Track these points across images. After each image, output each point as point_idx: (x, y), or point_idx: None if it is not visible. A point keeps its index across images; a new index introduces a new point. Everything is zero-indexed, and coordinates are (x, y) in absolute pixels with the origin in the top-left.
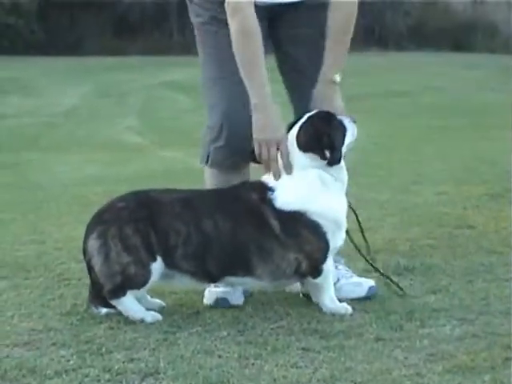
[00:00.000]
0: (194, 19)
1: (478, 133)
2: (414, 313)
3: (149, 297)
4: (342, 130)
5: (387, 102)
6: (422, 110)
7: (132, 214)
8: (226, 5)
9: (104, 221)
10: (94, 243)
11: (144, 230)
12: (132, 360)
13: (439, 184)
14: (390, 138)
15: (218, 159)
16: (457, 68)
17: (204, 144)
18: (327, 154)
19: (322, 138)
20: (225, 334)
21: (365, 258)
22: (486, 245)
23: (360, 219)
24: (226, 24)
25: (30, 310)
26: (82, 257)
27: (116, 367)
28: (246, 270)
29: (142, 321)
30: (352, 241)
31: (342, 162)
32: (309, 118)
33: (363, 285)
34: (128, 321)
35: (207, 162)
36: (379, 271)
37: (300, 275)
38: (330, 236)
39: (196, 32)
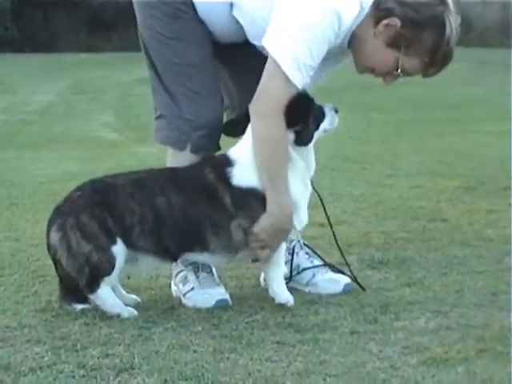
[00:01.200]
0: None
1: (454, 126)
2: (389, 306)
3: (124, 292)
4: (319, 114)
5: (362, 96)
6: (397, 103)
7: (87, 202)
8: (251, 108)
9: (62, 212)
10: (54, 236)
11: (100, 215)
12: (107, 356)
13: (414, 177)
14: (365, 131)
15: (202, 145)
16: None
17: (179, 130)
18: (292, 132)
19: (292, 116)
20: (199, 328)
21: (340, 252)
22: (459, 238)
23: (335, 212)
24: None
25: (5, 306)
26: None
27: (91, 363)
28: (202, 245)
29: (119, 316)
30: (334, 234)
31: (311, 146)
32: (299, 95)
33: (339, 282)
34: (103, 317)
35: (185, 147)
36: (348, 268)
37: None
38: None
39: (150, 14)
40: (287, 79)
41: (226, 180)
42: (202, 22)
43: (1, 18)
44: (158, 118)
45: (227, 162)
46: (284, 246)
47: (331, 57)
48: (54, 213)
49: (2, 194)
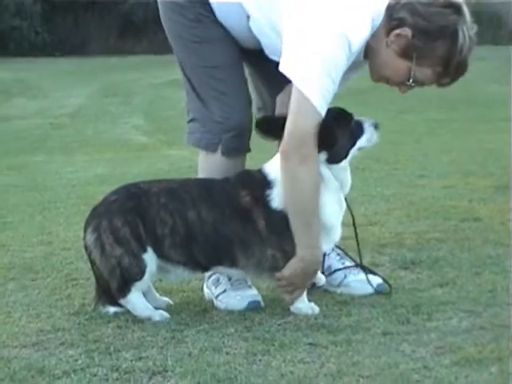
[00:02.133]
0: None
1: (485, 125)
2: (421, 306)
3: (157, 295)
4: (356, 130)
5: (392, 96)
6: (427, 103)
7: (121, 206)
8: (281, 148)
9: (98, 214)
10: (90, 237)
11: (132, 221)
12: (140, 359)
13: (445, 177)
14: (396, 131)
15: (233, 147)
16: None
17: (211, 133)
18: (322, 152)
19: (326, 137)
20: (232, 330)
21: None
22: (492, 237)
23: (367, 213)
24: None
25: (38, 310)
26: None
27: (124, 366)
28: (231, 261)
29: (150, 319)
30: (356, 236)
31: (345, 164)
32: (331, 111)
33: (371, 282)
34: (136, 319)
35: (216, 149)
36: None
37: (275, 270)
38: None
39: (175, 20)
40: (316, 112)
41: (263, 203)
42: (223, 27)
43: (31, 22)
44: (190, 120)
45: (265, 183)
46: None
47: (348, 70)
48: (90, 214)
49: (34, 197)
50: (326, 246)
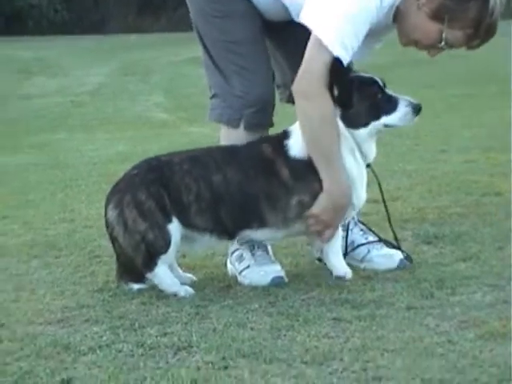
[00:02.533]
0: None
1: (505, 100)
2: (445, 281)
3: (181, 271)
4: (384, 105)
5: (413, 71)
6: (447, 79)
7: (143, 179)
8: (293, 88)
9: (119, 190)
10: (112, 213)
11: (156, 192)
12: (165, 334)
13: (466, 152)
14: None
15: (255, 122)
16: None
17: (232, 108)
18: (335, 91)
19: (342, 93)
20: (256, 306)
21: (392, 230)
22: None
23: (389, 188)
24: None
25: (62, 287)
26: None
27: (149, 342)
28: (259, 220)
29: (176, 295)
30: (386, 209)
31: (363, 132)
32: (355, 76)
33: (394, 257)
34: (160, 296)
35: (238, 125)
36: (398, 247)
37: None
38: None
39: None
40: (331, 57)
41: (283, 152)
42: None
43: (50, 1)
44: (212, 96)
45: (284, 135)
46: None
47: (376, 33)
48: (111, 191)
49: (56, 175)
50: (355, 202)
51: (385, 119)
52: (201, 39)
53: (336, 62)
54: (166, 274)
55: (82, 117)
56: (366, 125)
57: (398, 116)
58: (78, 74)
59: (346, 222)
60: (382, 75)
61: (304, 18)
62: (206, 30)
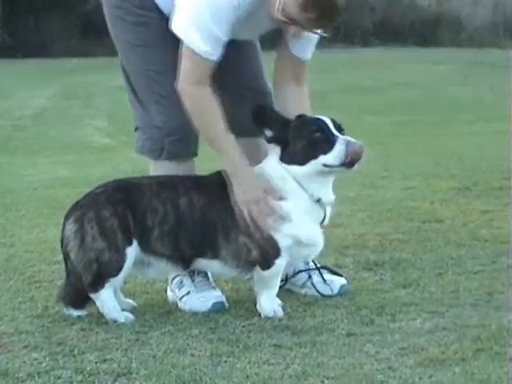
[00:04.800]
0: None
1: (447, 128)
2: (385, 307)
3: (122, 296)
4: (320, 144)
5: (356, 98)
6: (390, 106)
7: (110, 198)
8: (177, 88)
9: (81, 206)
10: (70, 228)
11: (122, 212)
12: (105, 361)
13: (408, 179)
14: (359, 133)
15: (176, 151)
16: (423, 63)
17: (153, 139)
18: (267, 133)
19: (280, 129)
20: (196, 332)
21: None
22: (454, 238)
23: (330, 214)
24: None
25: (1, 313)
26: (53, 259)
27: (89, 368)
28: (214, 250)
29: (115, 321)
30: None
31: (302, 171)
32: (300, 116)
33: (335, 283)
34: (100, 322)
35: (160, 155)
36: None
37: (251, 263)
38: (281, 229)
39: (118, 25)
40: (196, 53)
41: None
42: (167, 27)
43: None
44: (136, 129)
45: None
46: (282, 269)
47: (262, 21)
48: (72, 206)
49: None
50: (303, 237)
51: (322, 159)
52: (124, 70)
53: (261, 107)
54: (109, 298)
55: (23, 141)
56: (304, 163)
57: (333, 155)
58: (19, 98)
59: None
60: (325, 103)
61: (173, 26)
62: (128, 59)
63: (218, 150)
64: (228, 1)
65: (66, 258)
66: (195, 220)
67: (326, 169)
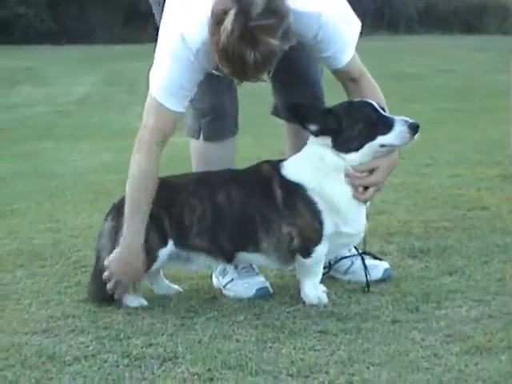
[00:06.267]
0: None
1: (490, 115)
2: (430, 294)
3: (167, 281)
4: (378, 126)
5: (398, 85)
6: (433, 92)
7: None
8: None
9: (119, 206)
10: (107, 225)
11: (157, 213)
12: (150, 345)
13: (452, 166)
14: None
15: (211, 131)
16: (468, 50)
17: (193, 120)
18: (311, 127)
19: (331, 122)
20: (242, 318)
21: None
22: (500, 226)
23: (375, 202)
24: None
25: (48, 297)
26: None
27: (135, 352)
28: (254, 244)
29: (127, 306)
30: None
31: (357, 156)
32: (344, 102)
33: (378, 267)
34: (146, 306)
35: (199, 135)
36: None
37: (292, 252)
38: (325, 217)
39: (158, 10)
40: (161, 106)
41: (277, 171)
42: None
43: (37, 10)
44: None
45: (282, 159)
46: (323, 256)
47: None
48: (111, 207)
49: (42, 185)
50: (346, 228)
51: (380, 140)
52: None
53: (296, 104)
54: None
55: (68, 127)
56: (361, 146)
57: (395, 135)
58: (64, 84)
59: (347, 251)
60: None
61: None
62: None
63: (133, 219)
64: (183, 52)
65: (98, 254)
66: (233, 215)
67: (383, 149)
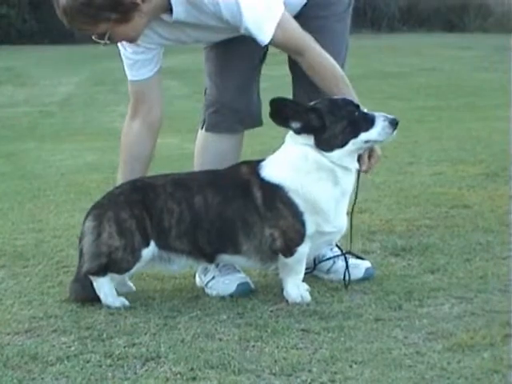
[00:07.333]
0: None
1: (473, 113)
2: (413, 292)
3: (126, 278)
4: (360, 123)
5: (381, 84)
6: (416, 91)
7: (128, 199)
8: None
9: (101, 205)
10: (89, 225)
11: (139, 214)
12: (133, 345)
13: (435, 164)
14: None
15: (212, 122)
16: (450, 49)
17: (202, 110)
18: (294, 125)
19: (314, 119)
20: (224, 317)
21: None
22: (482, 224)
23: (357, 200)
24: None
25: (30, 297)
26: None
27: (117, 352)
28: (234, 246)
29: (109, 307)
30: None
31: (340, 153)
32: (326, 99)
33: (360, 266)
34: (128, 306)
35: (203, 125)
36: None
37: (274, 252)
38: (306, 218)
39: None
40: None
41: (256, 173)
42: None
43: (19, 10)
44: None
45: (260, 160)
46: (305, 255)
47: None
48: (92, 206)
49: (24, 185)
50: (328, 227)
51: (364, 136)
52: None
53: (280, 101)
54: (107, 284)
55: (51, 127)
56: (345, 144)
57: (377, 131)
58: (46, 84)
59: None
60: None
61: None
62: None
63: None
64: None
65: (80, 254)
66: (211, 219)
67: (367, 144)
